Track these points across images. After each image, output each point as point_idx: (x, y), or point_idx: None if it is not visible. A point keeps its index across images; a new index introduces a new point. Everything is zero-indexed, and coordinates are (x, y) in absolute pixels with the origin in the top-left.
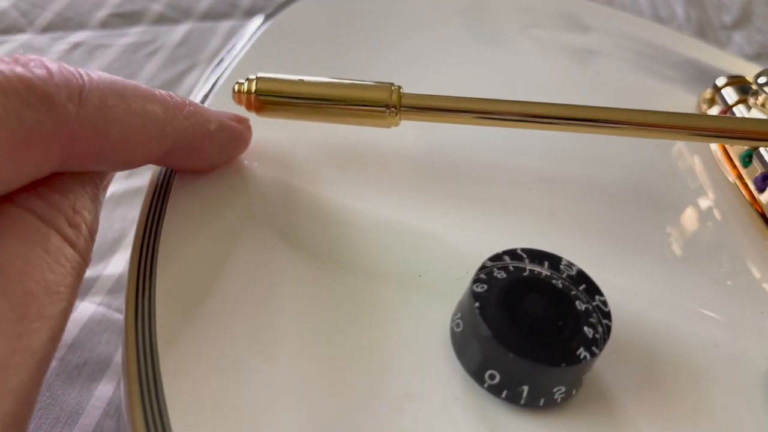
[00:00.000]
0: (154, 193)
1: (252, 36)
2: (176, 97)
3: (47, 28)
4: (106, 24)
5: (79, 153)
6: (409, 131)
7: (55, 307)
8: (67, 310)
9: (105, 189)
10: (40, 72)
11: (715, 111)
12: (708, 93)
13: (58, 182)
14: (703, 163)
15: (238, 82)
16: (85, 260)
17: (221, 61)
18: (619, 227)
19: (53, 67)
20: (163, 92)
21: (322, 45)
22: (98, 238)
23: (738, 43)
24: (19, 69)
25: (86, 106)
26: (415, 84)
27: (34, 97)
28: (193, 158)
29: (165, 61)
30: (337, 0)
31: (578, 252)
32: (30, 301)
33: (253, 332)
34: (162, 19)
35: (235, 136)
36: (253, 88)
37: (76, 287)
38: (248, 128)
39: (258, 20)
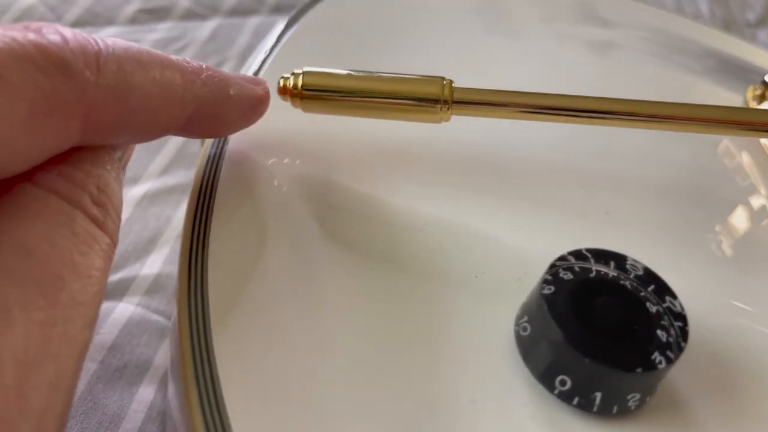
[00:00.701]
0: (200, 191)
1: (281, 35)
2: (192, 62)
3: (75, 24)
4: (134, 20)
5: (99, 123)
6: (455, 127)
7: (87, 291)
8: (100, 295)
9: (124, 168)
10: (54, 38)
11: (766, 107)
12: (758, 89)
13: (79, 159)
14: (753, 159)
15: (283, 77)
16: (113, 241)
17: (251, 63)
18: (675, 226)
19: (68, 33)
20: (179, 58)
21: (352, 43)
22: (134, 237)
23: (763, 41)
24: (32, 35)
25: (105, 73)
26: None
27: (51, 65)
28: (213, 124)
29: (194, 57)
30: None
31: (638, 252)
32: (61, 286)
33: (309, 334)
34: (190, 15)
35: (255, 99)
36: (300, 83)
37: (107, 270)
38: (266, 90)
39: (283, 22)
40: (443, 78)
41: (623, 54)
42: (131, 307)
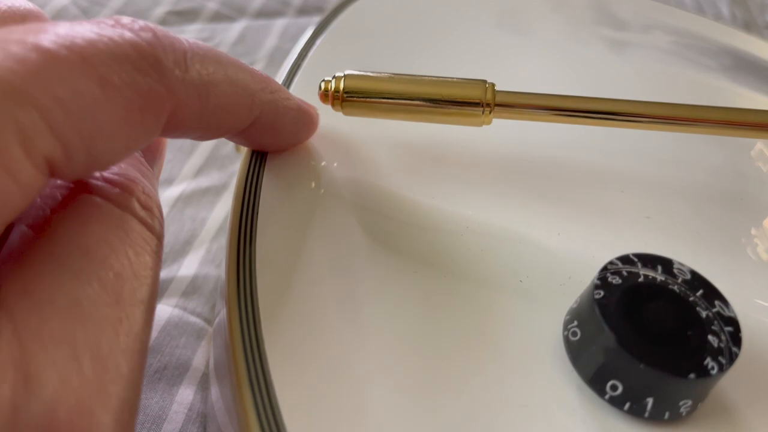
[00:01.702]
0: (244, 193)
1: (312, 40)
2: (259, 72)
3: None
4: (164, 21)
5: (182, 119)
6: (494, 130)
7: (144, 290)
8: (154, 295)
9: (158, 177)
10: (147, 36)
11: None
12: None
13: (125, 168)
14: None
15: (324, 80)
16: (161, 242)
17: (287, 67)
18: (716, 231)
19: (159, 31)
20: (247, 65)
21: (383, 46)
22: (170, 239)
23: None
24: (128, 34)
25: (191, 71)
26: None
27: (146, 63)
28: (270, 135)
29: None
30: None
31: (681, 257)
32: (122, 284)
33: (356, 338)
34: (218, 17)
35: (310, 119)
36: (341, 86)
37: (158, 270)
38: (317, 115)
39: (312, 27)
40: (485, 81)
41: (642, 53)
42: (169, 309)
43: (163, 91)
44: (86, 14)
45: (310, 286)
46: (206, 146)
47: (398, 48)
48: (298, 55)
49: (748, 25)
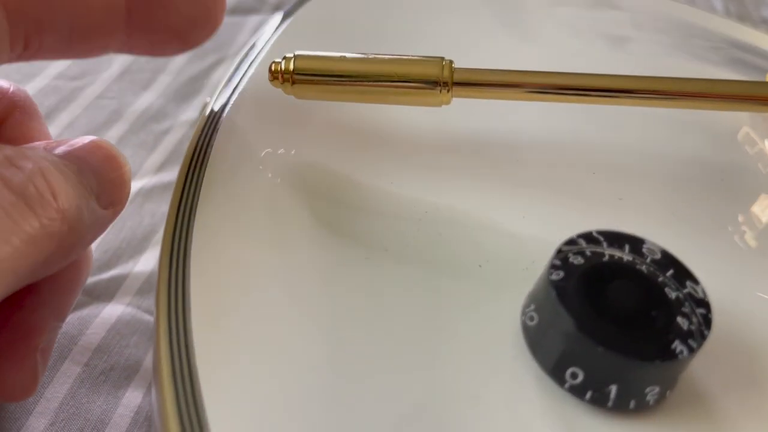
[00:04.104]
0: (184, 184)
1: (276, 29)
2: None
3: None
4: None
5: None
6: (456, 111)
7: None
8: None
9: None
10: None
11: None
12: None
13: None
14: None
15: (274, 62)
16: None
17: (246, 55)
18: (694, 214)
19: None
20: None
21: (351, 35)
22: (127, 233)
23: None
24: None
25: None
26: None
27: None
28: (159, 24)
29: (192, 55)
30: None
31: (655, 239)
32: None
33: (299, 330)
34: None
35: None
36: (291, 67)
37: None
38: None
39: (278, 16)
40: (443, 58)
41: (637, 45)
42: (121, 308)
43: None
44: None
45: (248, 274)
46: (170, 141)
47: (367, 38)
48: (260, 43)
49: (743, 20)
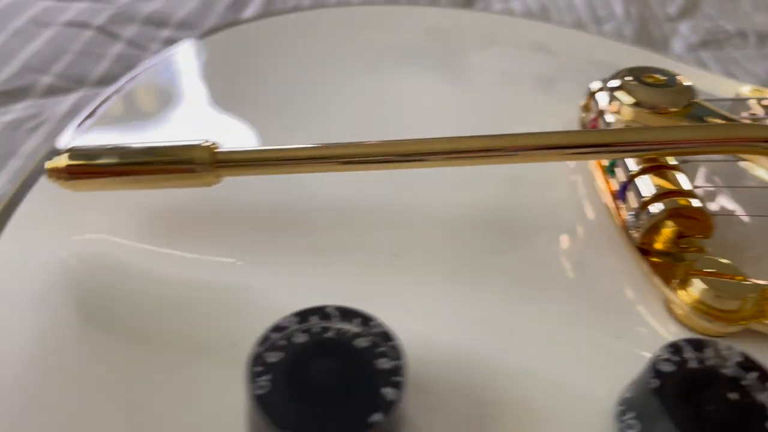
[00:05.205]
0: None
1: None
2: None
3: None
4: None
5: None
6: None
7: None
8: None
9: None
10: None
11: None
12: (585, 99)
13: None
14: (581, 175)
15: (51, 161)
16: None
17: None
18: (467, 260)
19: None
20: None
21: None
22: None
23: (683, 35)
24: None
25: None
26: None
27: None
28: None
29: (48, 134)
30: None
31: (416, 293)
32: None
33: None
34: (51, 91)
35: None
36: (63, 164)
37: None
38: None
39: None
40: (206, 141)
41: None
42: None
43: None
44: None
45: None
46: None
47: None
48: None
49: (645, 21)
